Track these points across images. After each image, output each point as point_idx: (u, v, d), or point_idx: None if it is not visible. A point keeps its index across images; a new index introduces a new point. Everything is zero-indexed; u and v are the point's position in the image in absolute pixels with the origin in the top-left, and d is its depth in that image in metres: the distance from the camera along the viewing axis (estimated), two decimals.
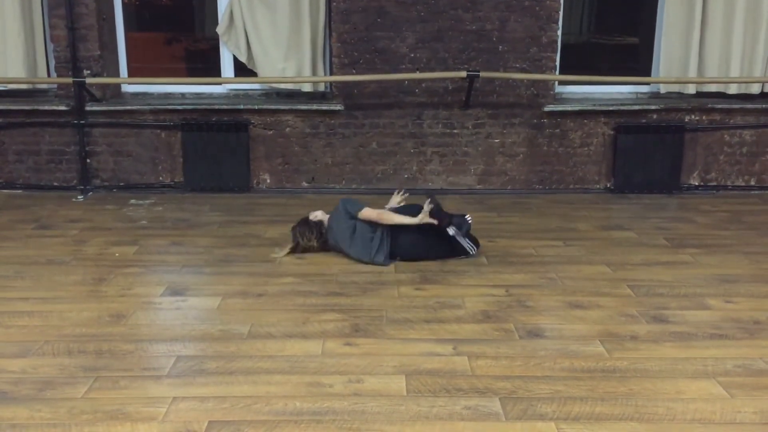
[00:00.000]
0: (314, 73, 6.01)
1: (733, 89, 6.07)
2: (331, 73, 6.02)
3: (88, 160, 6.07)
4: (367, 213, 4.37)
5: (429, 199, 4.35)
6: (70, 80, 5.80)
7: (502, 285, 4.00)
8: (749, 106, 6.06)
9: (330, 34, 5.96)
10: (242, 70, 6.17)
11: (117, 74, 6.22)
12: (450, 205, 5.47)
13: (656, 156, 6.04)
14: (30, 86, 6.10)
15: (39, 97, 6.13)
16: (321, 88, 6.16)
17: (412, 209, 4.45)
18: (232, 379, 2.93)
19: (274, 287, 3.95)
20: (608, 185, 6.19)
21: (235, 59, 6.16)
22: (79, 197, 5.92)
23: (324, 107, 5.98)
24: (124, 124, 6.04)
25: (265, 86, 6.22)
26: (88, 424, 2.59)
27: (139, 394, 2.81)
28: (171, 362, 3.06)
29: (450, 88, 5.96)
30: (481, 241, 4.73)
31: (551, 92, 6.05)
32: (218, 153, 5.99)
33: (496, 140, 6.08)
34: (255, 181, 6.15)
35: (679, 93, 6.19)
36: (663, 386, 2.88)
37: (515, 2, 5.79)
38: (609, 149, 6.12)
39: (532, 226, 5.16)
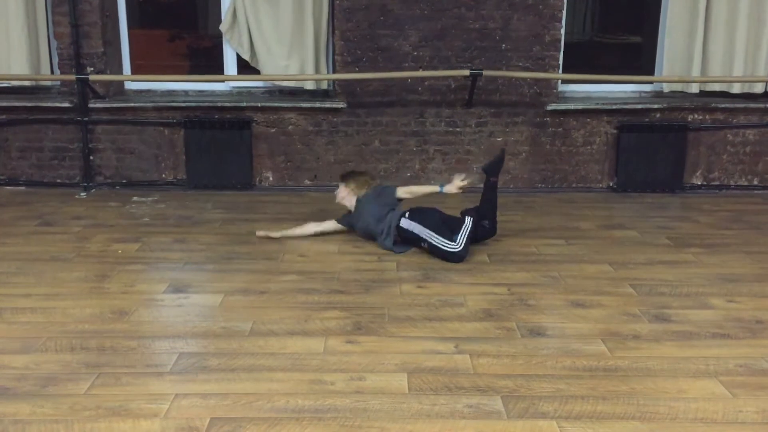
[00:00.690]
0: (317, 70, 6.01)
1: (736, 88, 6.07)
2: (334, 71, 6.02)
3: (91, 157, 6.08)
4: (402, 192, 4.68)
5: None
6: (73, 77, 5.81)
7: (504, 283, 4.00)
8: (752, 105, 6.05)
9: (333, 32, 5.96)
10: (245, 67, 6.17)
11: (120, 71, 6.23)
12: (452, 205, 5.48)
13: (659, 155, 6.04)
14: (33, 83, 6.11)
15: (42, 94, 6.13)
16: (324, 85, 6.16)
17: (424, 215, 4.50)
18: (234, 376, 2.93)
19: (277, 285, 3.95)
20: (611, 184, 6.19)
21: (238, 57, 6.15)
22: (82, 194, 5.93)
23: (327, 105, 5.98)
24: (127, 121, 6.04)
25: (268, 84, 6.22)
26: (90, 421, 2.60)
27: (141, 390, 2.81)
28: (173, 359, 3.07)
29: (453, 86, 5.96)
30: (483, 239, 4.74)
31: (554, 91, 6.04)
32: (221, 150, 5.99)
33: (499, 139, 6.07)
34: (257, 179, 6.16)
35: (682, 92, 6.18)
36: (665, 385, 2.88)
37: (518, 1, 5.78)
38: (612, 148, 6.11)
39: (535, 225, 5.15)
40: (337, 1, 5.81)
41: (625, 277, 4.10)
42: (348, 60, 5.91)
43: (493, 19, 5.83)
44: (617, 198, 6.00)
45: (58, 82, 6.09)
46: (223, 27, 6.03)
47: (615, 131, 6.08)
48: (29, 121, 6.03)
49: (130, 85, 6.31)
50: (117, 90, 6.22)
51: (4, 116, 6.02)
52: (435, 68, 5.89)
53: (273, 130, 6.06)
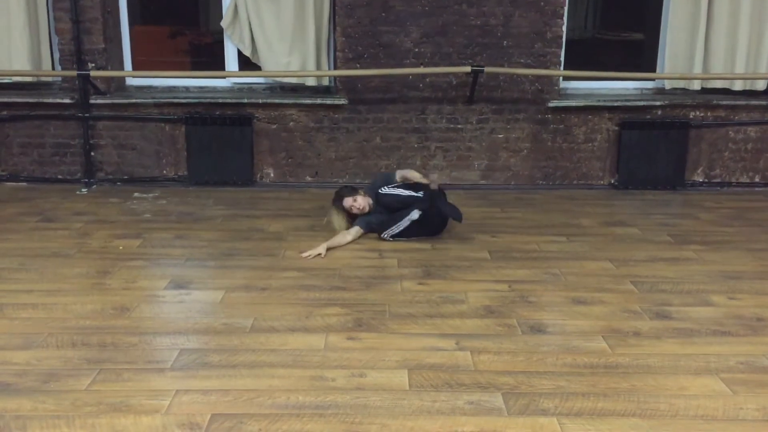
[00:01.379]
0: (318, 67, 6.01)
1: (738, 85, 6.06)
2: (335, 68, 6.02)
3: (92, 153, 6.08)
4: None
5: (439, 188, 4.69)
6: (74, 73, 5.80)
7: (504, 280, 4.00)
8: (754, 102, 6.04)
9: (334, 29, 5.96)
10: (246, 63, 6.17)
11: (121, 67, 6.22)
12: (454, 201, 5.48)
13: (660, 152, 6.03)
14: (34, 79, 6.10)
15: (43, 90, 6.13)
16: (325, 82, 6.16)
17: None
18: (234, 372, 2.94)
19: (278, 281, 3.96)
20: (612, 181, 6.18)
21: (240, 53, 6.15)
22: (83, 190, 5.94)
23: (328, 101, 5.98)
24: (129, 118, 6.04)
25: (269, 80, 6.22)
26: (91, 416, 2.60)
27: (142, 386, 2.82)
28: (174, 355, 3.07)
29: (454, 83, 5.95)
30: (484, 236, 4.75)
31: (556, 88, 6.04)
32: (222, 147, 5.99)
33: (500, 135, 6.07)
34: (258, 175, 6.15)
35: (684, 89, 6.18)
36: (665, 382, 2.88)
37: None
38: (613, 145, 6.11)
39: (536, 222, 5.15)
40: None
41: (626, 274, 4.10)
42: (349, 56, 5.90)
43: (494, 16, 5.82)
44: (618, 195, 6.00)
45: (60, 78, 6.08)
46: (225, 23, 6.02)
47: (616, 128, 6.07)
48: (30, 117, 6.03)
49: (131, 81, 6.31)
50: (118, 86, 6.22)
51: (5, 112, 6.02)
52: (436, 65, 5.89)
53: (274, 127, 6.05)
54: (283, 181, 6.16)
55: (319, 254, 4.37)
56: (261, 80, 6.25)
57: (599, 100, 6.03)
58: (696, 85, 6.10)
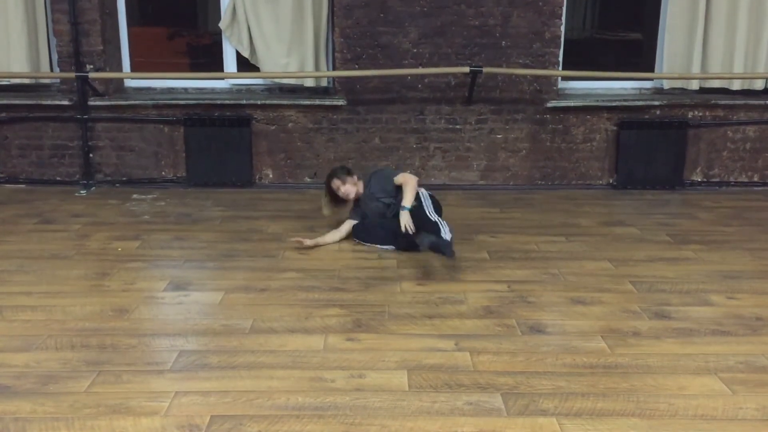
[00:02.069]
0: (317, 68, 6.01)
1: (736, 85, 6.07)
2: (334, 69, 6.02)
3: (90, 155, 6.08)
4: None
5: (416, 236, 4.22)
6: (73, 75, 5.80)
7: (504, 280, 4.00)
8: (752, 102, 6.05)
9: (333, 29, 5.96)
10: (245, 65, 6.17)
11: (120, 69, 6.22)
12: (452, 202, 5.49)
13: (659, 152, 6.03)
14: (33, 81, 6.10)
15: (42, 92, 6.13)
16: (323, 83, 6.16)
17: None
18: (234, 373, 2.93)
19: (277, 282, 3.95)
20: (611, 181, 6.19)
21: (238, 54, 6.15)
22: (81, 192, 5.93)
23: (326, 102, 5.98)
24: (127, 119, 6.04)
25: (268, 81, 6.22)
26: (90, 418, 2.60)
27: (141, 388, 2.81)
28: (173, 357, 3.07)
29: (453, 83, 5.95)
30: (483, 237, 4.74)
31: (554, 88, 6.04)
32: (221, 148, 5.99)
33: (499, 136, 6.07)
34: (257, 176, 6.15)
35: (682, 89, 6.18)
36: (665, 382, 2.88)
37: None
38: (612, 145, 6.11)
39: (535, 222, 5.15)
40: None
41: (625, 274, 4.10)
42: (348, 57, 5.90)
43: (493, 16, 5.82)
44: (617, 195, 6.00)
45: (58, 80, 6.08)
46: (223, 24, 6.03)
47: (615, 128, 6.07)
48: (29, 118, 6.03)
49: (129, 83, 6.31)
50: (117, 88, 6.22)
51: (3, 114, 6.01)
52: (435, 65, 5.89)
53: (273, 128, 6.05)
54: (282, 182, 6.16)
55: (308, 246, 4.44)
56: (259, 81, 6.26)
57: (598, 100, 6.03)
58: (694, 85, 6.11)
